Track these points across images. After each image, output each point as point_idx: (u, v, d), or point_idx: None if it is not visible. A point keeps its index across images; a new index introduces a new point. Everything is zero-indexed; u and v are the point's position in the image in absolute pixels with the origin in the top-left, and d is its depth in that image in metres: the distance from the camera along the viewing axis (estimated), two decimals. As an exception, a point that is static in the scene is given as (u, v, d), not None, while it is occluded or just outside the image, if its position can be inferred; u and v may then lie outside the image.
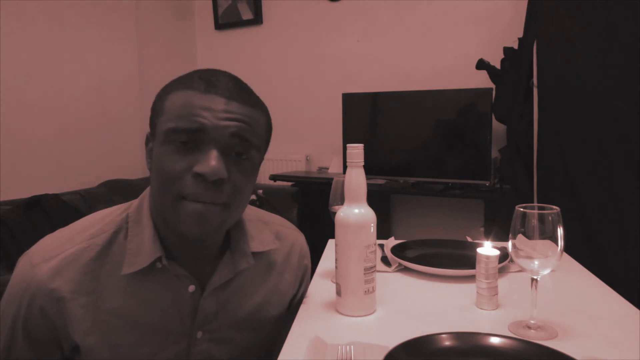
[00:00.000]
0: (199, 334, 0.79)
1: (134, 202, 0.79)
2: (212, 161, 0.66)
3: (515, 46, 2.30)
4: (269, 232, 0.89)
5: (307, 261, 0.97)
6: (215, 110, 0.67)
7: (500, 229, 1.97)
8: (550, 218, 0.70)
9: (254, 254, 0.82)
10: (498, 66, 2.41)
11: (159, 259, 0.74)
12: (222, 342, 0.82)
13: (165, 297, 0.76)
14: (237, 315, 0.83)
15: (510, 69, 2.30)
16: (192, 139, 0.67)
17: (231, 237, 0.81)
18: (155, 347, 0.76)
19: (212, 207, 0.68)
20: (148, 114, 0.75)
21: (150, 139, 0.74)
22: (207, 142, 0.67)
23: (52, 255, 0.73)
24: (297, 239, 0.95)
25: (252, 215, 0.88)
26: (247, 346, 0.85)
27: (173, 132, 0.67)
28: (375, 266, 0.83)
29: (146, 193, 0.78)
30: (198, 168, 0.66)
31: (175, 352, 0.78)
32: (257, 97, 0.75)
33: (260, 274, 0.86)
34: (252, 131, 0.70)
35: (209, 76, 0.70)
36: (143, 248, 0.73)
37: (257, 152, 0.73)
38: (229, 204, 0.70)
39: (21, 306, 0.73)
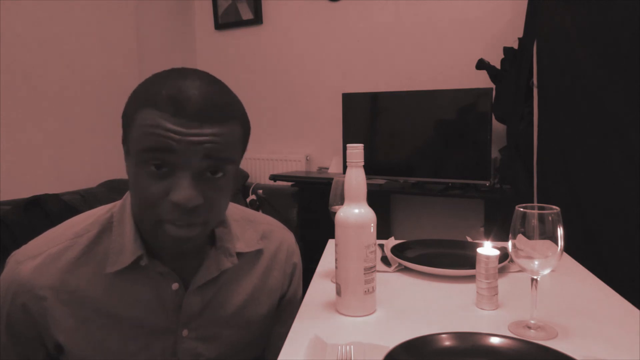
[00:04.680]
0: (185, 332, 0.79)
1: (118, 202, 0.80)
2: (186, 190, 0.65)
3: (515, 46, 2.30)
4: (255, 232, 0.89)
5: (296, 259, 0.97)
6: (185, 134, 0.64)
7: (500, 229, 1.98)
8: (550, 218, 0.70)
9: (239, 253, 0.83)
10: (498, 66, 2.41)
11: (141, 258, 0.74)
12: (208, 340, 0.82)
13: (149, 294, 0.76)
14: (223, 313, 0.83)
15: (510, 69, 2.30)
16: (164, 161, 0.65)
17: (216, 236, 0.81)
18: (140, 344, 0.77)
19: (191, 229, 0.69)
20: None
21: (125, 142, 0.72)
22: (181, 166, 0.66)
23: (36, 253, 0.75)
24: (284, 237, 0.95)
25: (239, 214, 0.88)
26: (236, 344, 0.86)
27: (145, 152, 0.65)
28: (375, 266, 0.83)
29: (129, 194, 0.78)
30: (173, 197, 0.65)
31: (161, 350, 0.78)
32: (232, 104, 0.70)
33: (246, 272, 0.87)
34: (225, 149, 0.68)
35: (178, 93, 0.64)
36: (125, 247, 0.74)
37: (232, 164, 0.71)
38: (207, 221, 0.71)
39: (5, 303, 0.74)
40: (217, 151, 0.67)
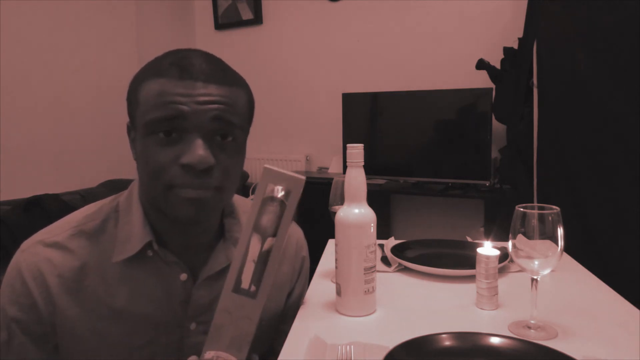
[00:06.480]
0: (193, 326, 0.78)
1: (124, 191, 0.79)
2: (198, 150, 0.65)
3: (515, 46, 2.30)
4: None
5: (305, 253, 0.96)
6: (192, 95, 0.65)
7: (500, 229, 1.98)
8: (550, 218, 0.70)
9: None
10: (498, 66, 2.41)
11: (149, 246, 0.73)
12: None
13: (155, 286, 0.75)
14: None
15: (510, 69, 2.30)
16: (173, 127, 0.66)
17: (225, 227, 0.80)
18: (145, 337, 0.75)
19: (204, 192, 0.67)
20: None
21: (131, 128, 0.73)
22: (190, 130, 0.66)
23: (39, 240, 0.74)
24: (293, 231, 0.94)
25: (247, 207, 0.88)
26: None
27: (153, 123, 0.66)
28: (375, 266, 0.83)
29: (136, 182, 0.78)
30: (185, 159, 0.65)
31: (167, 344, 0.76)
32: (235, 74, 0.72)
33: None
34: (233, 111, 0.68)
35: (181, 60, 0.67)
36: (133, 234, 0.73)
37: (241, 131, 0.72)
38: (220, 187, 0.70)
39: (13, 290, 0.72)
40: (225, 112, 0.67)
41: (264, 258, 0.62)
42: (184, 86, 0.65)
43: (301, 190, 0.62)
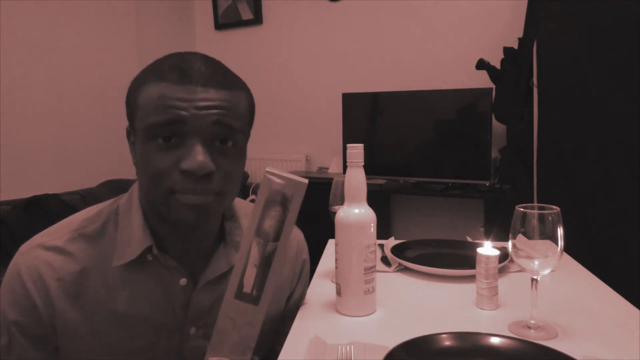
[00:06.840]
0: (193, 330, 0.77)
1: (125, 194, 0.79)
2: (198, 156, 0.64)
3: (515, 46, 2.30)
4: None
5: (305, 256, 0.96)
6: (192, 100, 0.64)
7: (500, 229, 1.98)
8: (550, 218, 0.70)
9: None
10: (498, 66, 2.41)
11: (149, 250, 0.73)
12: None
13: (155, 290, 0.74)
14: None
15: (510, 69, 2.30)
16: (173, 132, 0.65)
17: (225, 230, 0.80)
18: (145, 340, 0.75)
19: (205, 197, 0.67)
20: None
21: (131, 132, 0.72)
22: (190, 135, 0.65)
23: (39, 243, 0.73)
24: (294, 233, 0.94)
25: (248, 210, 0.88)
26: None
27: (153, 127, 0.65)
28: (375, 266, 0.83)
29: (136, 184, 0.78)
30: (185, 165, 0.65)
31: (167, 348, 0.77)
32: (235, 77, 0.72)
33: None
34: (233, 115, 0.68)
35: (181, 63, 0.66)
36: (133, 238, 0.72)
37: (242, 134, 0.71)
38: (221, 192, 0.69)
39: (13, 293, 0.72)
40: (226, 117, 0.67)
41: (266, 263, 0.62)
42: (184, 90, 0.65)
43: (303, 193, 0.62)
